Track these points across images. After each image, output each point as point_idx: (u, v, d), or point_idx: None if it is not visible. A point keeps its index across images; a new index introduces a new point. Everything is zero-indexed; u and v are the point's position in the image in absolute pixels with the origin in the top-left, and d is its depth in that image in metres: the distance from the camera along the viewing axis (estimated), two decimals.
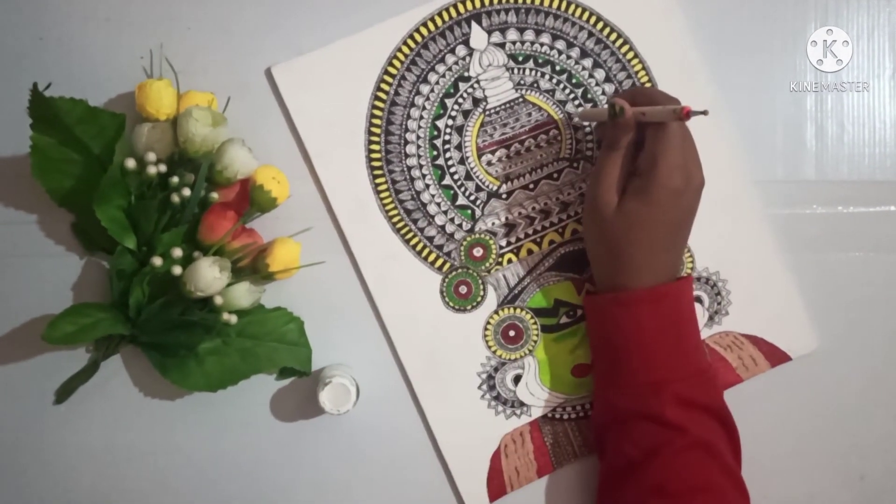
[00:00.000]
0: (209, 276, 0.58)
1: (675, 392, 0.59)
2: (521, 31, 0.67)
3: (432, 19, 0.66)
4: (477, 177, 0.67)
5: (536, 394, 0.67)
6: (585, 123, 0.67)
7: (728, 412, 0.62)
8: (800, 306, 0.68)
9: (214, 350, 0.63)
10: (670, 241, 0.61)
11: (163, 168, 0.60)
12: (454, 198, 0.67)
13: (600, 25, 0.67)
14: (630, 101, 0.60)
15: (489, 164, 0.67)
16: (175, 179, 0.59)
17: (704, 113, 0.54)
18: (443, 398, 0.66)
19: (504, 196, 0.67)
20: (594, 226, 0.61)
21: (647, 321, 0.60)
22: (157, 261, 0.59)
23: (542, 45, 0.67)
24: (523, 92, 0.67)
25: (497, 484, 0.66)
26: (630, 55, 0.67)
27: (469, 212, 0.67)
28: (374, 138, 0.66)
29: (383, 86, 0.66)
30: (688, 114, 0.55)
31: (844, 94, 0.69)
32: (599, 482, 0.63)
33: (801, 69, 0.69)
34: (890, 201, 0.69)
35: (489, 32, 0.67)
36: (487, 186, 0.67)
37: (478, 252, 0.67)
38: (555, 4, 0.67)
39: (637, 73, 0.68)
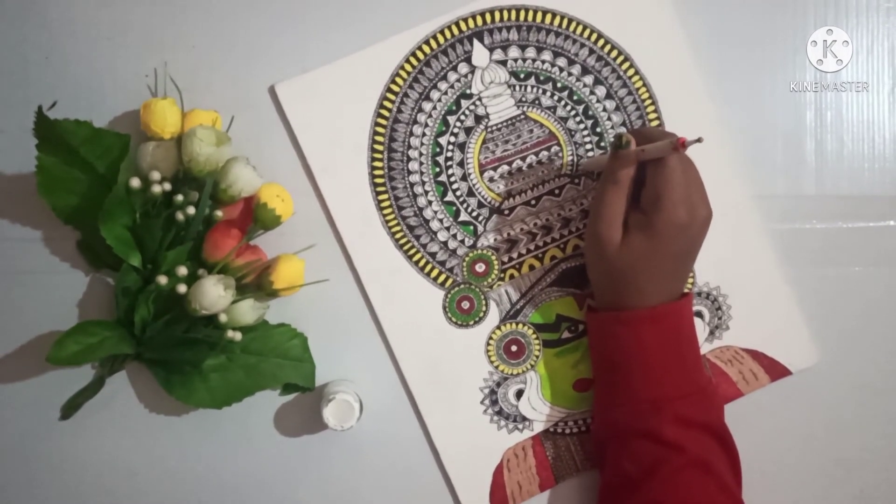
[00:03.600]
0: (214, 294, 0.59)
1: (675, 410, 0.59)
2: (523, 48, 0.67)
3: (434, 37, 0.67)
4: (479, 193, 0.67)
5: (538, 408, 0.68)
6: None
7: (727, 431, 0.62)
8: (800, 321, 0.69)
9: (219, 366, 0.63)
10: (675, 271, 0.61)
11: (167, 186, 0.60)
12: (456, 214, 0.67)
13: (601, 42, 0.68)
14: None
15: (491, 180, 0.67)
16: (179, 198, 0.60)
17: (699, 140, 0.54)
18: (445, 413, 0.67)
19: (506, 212, 0.67)
20: (598, 260, 0.61)
21: (649, 339, 0.60)
22: (162, 279, 0.59)
23: (543, 62, 0.67)
24: (525, 109, 0.67)
25: (499, 498, 0.67)
26: (631, 72, 0.68)
27: (471, 228, 0.67)
28: (377, 155, 0.66)
29: (386, 103, 0.66)
30: (683, 144, 0.55)
31: (844, 108, 0.70)
32: (599, 498, 0.64)
33: (802, 83, 0.69)
34: (889, 216, 0.69)
35: (491, 50, 0.67)
36: (489, 202, 0.67)
37: (480, 268, 0.67)
38: (556, 22, 0.67)
39: (638, 89, 0.68)
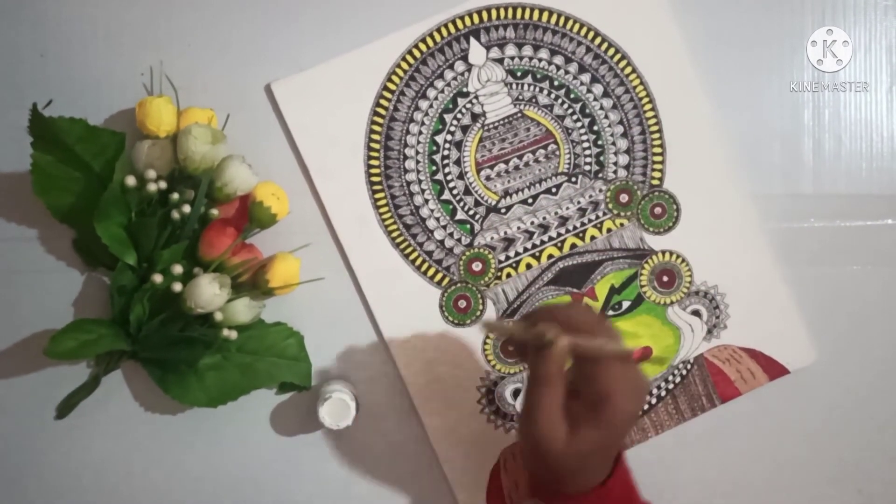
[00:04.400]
0: (209, 292, 0.59)
1: None
2: (520, 46, 0.67)
3: (431, 35, 0.66)
4: (476, 191, 0.67)
5: None
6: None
7: None
8: (798, 320, 0.69)
9: (215, 365, 0.63)
10: (617, 449, 0.56)
11: (163, 185, 0.60)
12: (453, 212, 0.67)
13: (598, 41, 0.68)
14: (548, 320, 0.54)
15: (488, 178, 0.67)
16: (175, 196, 0.60)
17: (661, 363, 0.50)
18: (442, 412, 0.66)
19: (503, 211, 0.67)
20: (542, 461, 0.54)
21: None
22: (158, 278, 0.59)
23: (540, 60, 0.67)
24: (522, 107, 0.67)
25: (496, 498, 0.66)
26: (628, 70, 0.68)
27: (468, 226, 0.67)
28: (374, 154, 0.66)
29: (382, 101, 0.66)
30: (639, 358, 0.49)
31: (842, 107, 0.70)
32: None
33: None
34: (887, 215, 0.69)
35: (487, 48, 0.67)
36: (486, 201, 0.67)
37: (477, 266, 0.67)
38: (552, 20, 0.67)
39: (635, 87, 0.68)
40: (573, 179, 0.68)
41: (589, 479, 0.55)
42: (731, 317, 0.69)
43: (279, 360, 0.64)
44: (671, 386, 0.68)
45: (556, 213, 0.68)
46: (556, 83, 0.68)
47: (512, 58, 0.67)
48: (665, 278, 0.68)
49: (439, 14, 0.66)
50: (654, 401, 0.68)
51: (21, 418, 0.65)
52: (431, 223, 0.67)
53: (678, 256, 0.68)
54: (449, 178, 0.67)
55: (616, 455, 0.56)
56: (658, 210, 0.68)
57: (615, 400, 0.51)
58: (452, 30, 0.67)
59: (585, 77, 0.68)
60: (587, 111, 0.68)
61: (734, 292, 0.69)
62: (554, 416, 0.52)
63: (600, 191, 0.68)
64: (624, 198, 0.68)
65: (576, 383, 0.53)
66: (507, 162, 0.67)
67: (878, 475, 0.69)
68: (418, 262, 0.67)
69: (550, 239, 0.67)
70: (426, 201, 0.67)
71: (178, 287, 0.59)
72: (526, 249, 0.67)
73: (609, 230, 0.68)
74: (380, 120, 0.66)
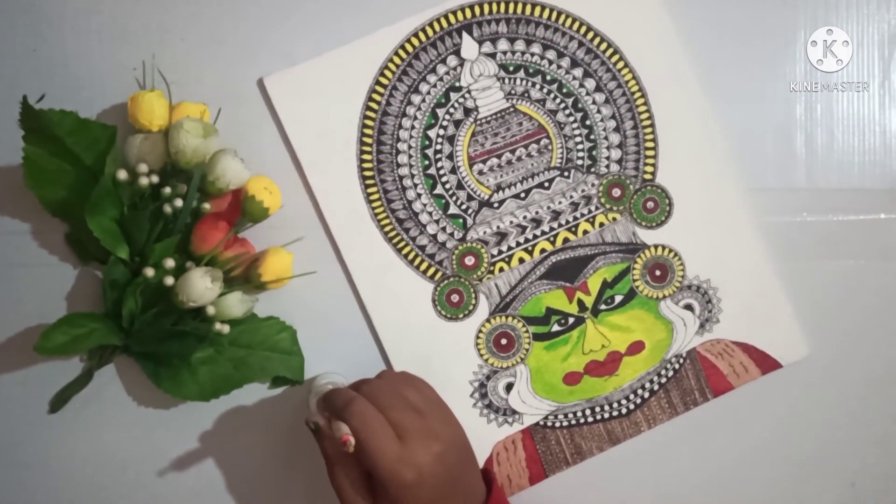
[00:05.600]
0: (201, 286, 0.59)
1: None
2: (512, 41, 0.67)
3: (423, 30, 0.66)
4: (468, 186, 0.67)
5: (528, 402, 0.67)
6: None
7: None
8: (790, 314, 0.69)
9: (207, 359, 0.63)
10: (452, 496, 0.56)
11: (155, 179, 0.60)
12: (446, 207, 0.67)
13: (590, 35, 0.68)
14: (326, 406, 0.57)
15: (480, 173, 0.67)
16: (167, 190, 0.60)
17: (366, 455, 0.52)
18: None
19: (495, 205, 0.67)
20: None
21: None
22: (150, 271, 0.59)
23: (532, 55, 0.67)
24: (514, 101, 0.67)
25: None
26: (620, 64, 0.68)
27: (461, 221, 0.67)
28: (366, 148, 0.66)
29: (375, 96, 0.66)
30: (345, 443, 0.51)
31: (834, 101, 0.70)
32: None
33: (792, 75, 0.69)
34: (879, 209, 0.69)
35: (480, 43, 0.67)
36: (479, 195, 0.67)
37: (469, 261, 0.67)
38: (545, 15, 0.67)
39: (627, 82, 0.68)
40: (566, 174, 0.68)
41: None
42: (724, 311, 0.69)
43: (272, 354, 0.64)
44: (664, 380, 0.68)
45: (548, 208, 0.68)
46: (548, 78, 0.68)
47: (504, 52, 0.67)
48: (658, 272, 0.68)
49: (432, 9, 0.66)
50: (646, 395, 0.68)
51: (14, 412, 0.65)
52: (424, 217, 0.67)
53: (671, 251, 0.68)
54: (441, 172, 0.67)
55: (482, 492, 0.58)
56: (650, 204, 0.68)
57: (382, 476, 0.53)
58: (445, 24, 0.67)
59: (578, 72, 0.68)
60: (579, 106, 0.68)
61: (727, 286, 0.69)
62: (348, 492, 0.55)
63: (593, 185, 0.68)
64: (616, 192, 0.68)
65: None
66: (499, 156, 0.67)
67: (871, 468, 0.69)
68: (411, 256, 0.67)
69: (543, 233, 0.68)
70: (419, 195, 0.67)
71: (170, 281, 0.59)
72: (518, 244, 0.67)
73: (601, 224, 0.68)
74: (372, 114, 0.66)
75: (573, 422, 0.68)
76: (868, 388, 0.69)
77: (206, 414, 0.65)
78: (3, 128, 0.63)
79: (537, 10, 0.67)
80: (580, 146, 0.68)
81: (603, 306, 0.68)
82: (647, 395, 0.68)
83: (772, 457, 0.69)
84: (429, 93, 0.67)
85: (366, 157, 0.66)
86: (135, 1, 0.65)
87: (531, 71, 0.67)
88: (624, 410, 0.68)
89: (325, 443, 0.56)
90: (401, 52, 0.66)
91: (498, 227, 0.67)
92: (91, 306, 0.65)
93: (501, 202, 0.67)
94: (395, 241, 0.67)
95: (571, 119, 0.68)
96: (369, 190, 0.66)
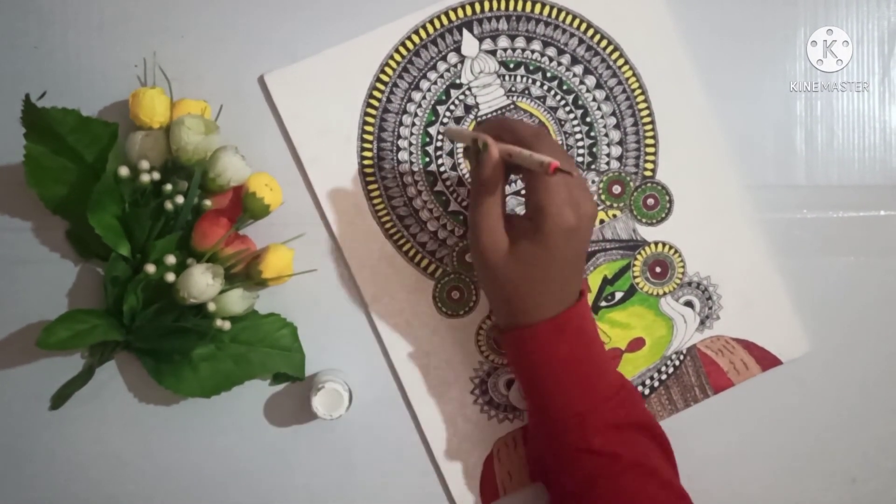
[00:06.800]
0: (202, 282, 0.59)
1: (599, 418, 0.58)
2: (512, 38, 0.67)
3: (424, 27, 0.67)
4: (469, 183, 0.67)
5: None
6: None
7: (654, 422, 0.61)
8: (790, 310, 0.69)
9: (208, 356, 0.63)
10: (567, 275, 0.58)
11: (156, 176, 0.60)
12: (446, 204, 0.67)
13: (591, 32, 0.68)
14: (495, 133, 0.57)
15: None
16: (168, 187, 0.60)
17: (568, 173, 0.52)
18: (435, 403, 0.67)
19: None
20: (487, 272, 0.58)
21: (556, 352, 0.58)
22: (151, 268, 0.59)
23: (532, 51, 0.67)
24: (514, 99, 0.67)
25: (490, 488, 0.67)
26: (621, 62, 0.68)
27: (461, 217, 0.67)
28: (367, 145, 0.67)
29: (375, 93, 0.66)
30: (555, 170, 0.51)
31: (834, 98, 0.70)
32: None
33: (792, 74, 0.69)
34: (879, 206, 0.69)
35: (480, 40, 0.67)
36: None
37: (470, 257, 0.67)
38: (545, 12, 0.67)
39: (628, 79, 0.68)
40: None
41: (537, 305, 0.57)
42: (724, 308, 0.69)
43: (273, 350, 0.64)
44: (664, 377, 0.68)
45: None
46: (548, 75, 0.68)
47: (505, 49, 0.67)
48: (658, 269, 0.68)
49: (432, 6, 0.66)
50: (647, 392, 0.68)
51: (16, 409, 0.65)
52: (425, 214, 0.67)
53: (671, 247, 0.68)
54: (442, 169, 0.67)
55: (577, 293, 0.59)
56: (651, 201, 0.68)
57: (548, 210, 0.54)
58: (445, 21, 0.67)
59: (578, 69, 0.68)
60: (580, 103, 0.68)
61: (727, 283, 0.69)
62: (493, 223, 0.56)
63: (593, 182, 0.68)
64: (617, 189, 0.68)
65: (525, 203, 0.57)
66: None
67: (872, 465, 0.69)
68: (411, 253, 0.67)
69: None
70: (419, 192, 0.67)
71: (171, 277, 0.59)
72: None
73: (602, 221, 0.68)
74: (373, 111, 0.66)
75: None
76: (868, 384, 0.69)
77: (207, 410, 0.66)
78: (4, 126, 0.63)
79: (538, 7, 0.67)
80: (580, 143, 0.68)
81: (603, 303, 0.68)
82: (647, 391, 0.68)
83: (772, 453, 0.69)
84: (429, 90, 0.67)
85: (366, 153, 0.66)
86: None
87: (531, 68, 0.68)
88: None
89: (482, 165, 0.56)
90: (401, 50, 0.67)
91: None
92: (92, 303, 0.65)
93: None
94: (395, 237, 0.67)
95: (572, 116, 0.68)
96: (370, 187, 0.67)
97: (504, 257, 0.56)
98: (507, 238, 0.57)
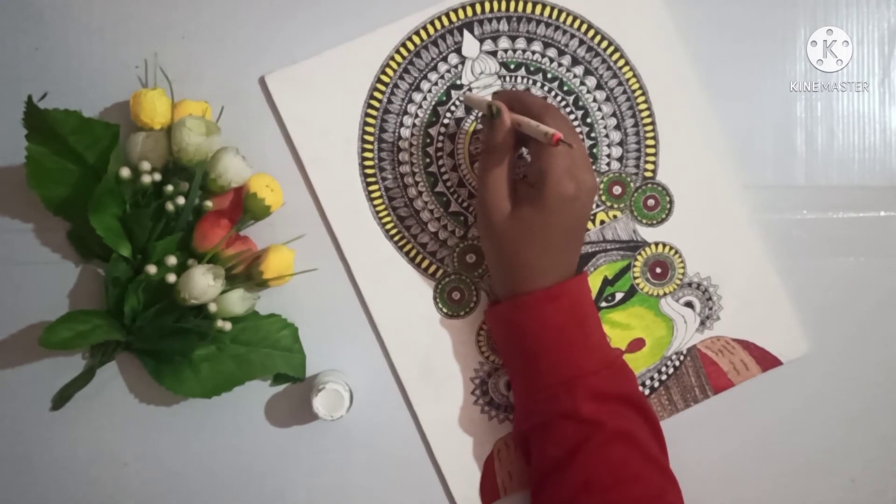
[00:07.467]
0: (203, 283, 0.59)
1: (588, 387, 0.59)
2: (513, 39, 0.67)
3: (425, 28, 0.67)
4: (469, 184, 0.67)
5: None
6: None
7: (644, 400, 0.62)
8: (790, 311, 0.69)
9: (209, 356, 0.63)
10: (565, 244, 0.61)
11: (157, 177, 0.60)
12: (447, 205, 0.67)
13: (591, 33, 0.68)
14: (508, 104, 0.60)
15: None
16: (169, 188, 0.60)
17: (569, 145, 0.56)
18: (436, 403, 0.67)
19: None
20: (488, 231, 0.61)
21: (550, 320, 0.60)
22: (152, 269, 0.59)
23: (533, 53, 0.68)
24: None
25: (490, 488, 0.67)
26: (621, 62, 0.68)
27: (462, 218, 0.67)
28: (368, 146, 0.67)
29: (376, 94, 0.67)
30: (557, 141, 0.55)
31: (834, 99, 0.70)
32: (531, 489, 0.63)
33: (792, 74, 0.70)
34: (879, 206, 0.70)
35: (481, 41, 0.67)
36: None
37: (471, 258, 0.67)
38: (546, 13, 0.67)
39: (628, 80, 0.68)
40: None
41: (534, 274, 0.60)
42: (724, 308, 0.69)
43: (273, 351, 0.65)
44: (664, 377, 0.68)
45: None
46: (549, 76, 0.68)
47: (505, 50, 0.67)
48: (658, 270, 0.68)
49: (433, 7, 0.66)
50: (647, 392, 0.68)
51: (17, 409, 0.65)
52: (425, 215, 0.67)
53: (671, 248, 0.68)
54: (443, 170, 0.67)
55: (574, 266, 0.62)
56: (651, 202, 0.68)
57: (549, 177, 0.58)
58: (446, 22, 0.67)
59: (579, 70, 0.68)
60: (580, 103, 0.68)
61: (727, 284, 0.69)
62: (498, 184, 0.60)
63: None
64: (617, 190, 0.68)
65: (529, 170, 0.61)
66: None
67: (871, 465, 0.69)
68: (412, 254, 0.67)
69: None
70: (420, 193, 0.67)
71: (171, 278, 0.59)
72: None
73: (602, 222, 0.68)
74: (374, 112, 0.67)
75: None
76: (868, 384, 0.69)
77: (208, 411, 0.66)
78: (5, 127, 0.63)
79: (538, 8, 0.67)
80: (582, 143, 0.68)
81: (603, 303, 0.68)
82: (647, 392, 0.68)
83: (772, 454, 0.69)
84: (430, 91, 0.67)
85: (367, 154, 0.67)
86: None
87: (532, 69, 0.68)
88: None
89: (493, 130, 0.60)
90: (402, 50, 0.67)
91: None
92: (93, 304, 0.65)
93: None
94: (396, 238, 0.67)
95: (572, 117, 0.68)
96: (371, 188, 0.67)
97: (506, 218, 0.60)
98: (509, 202, 0.60)
